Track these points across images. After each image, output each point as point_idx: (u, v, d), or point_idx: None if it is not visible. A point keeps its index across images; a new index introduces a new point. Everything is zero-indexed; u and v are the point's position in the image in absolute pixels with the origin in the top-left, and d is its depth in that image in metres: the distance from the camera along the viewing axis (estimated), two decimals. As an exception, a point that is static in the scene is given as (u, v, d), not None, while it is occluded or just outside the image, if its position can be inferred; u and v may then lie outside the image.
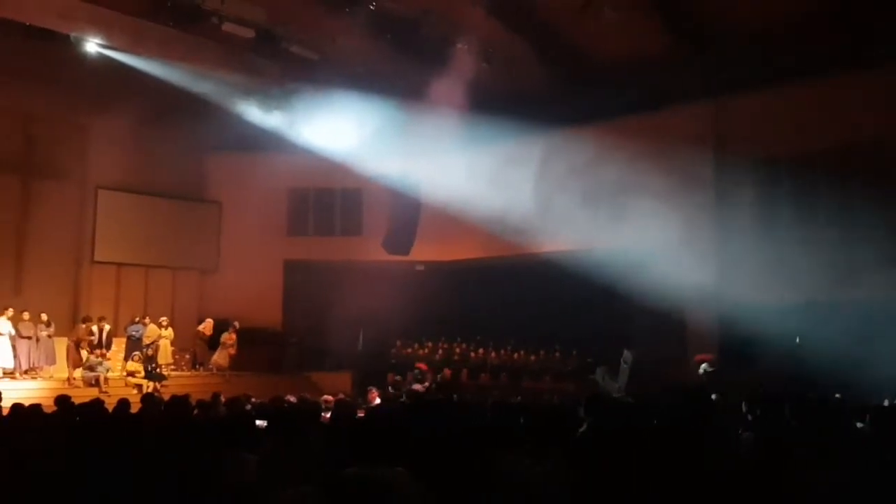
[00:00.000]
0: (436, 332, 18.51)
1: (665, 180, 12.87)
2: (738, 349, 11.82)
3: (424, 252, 17.72)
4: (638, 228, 13.29)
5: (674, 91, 13.82)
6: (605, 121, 14.54)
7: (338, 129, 15.76)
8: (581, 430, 5.19)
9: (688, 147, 13.44)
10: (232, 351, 17.07)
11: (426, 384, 14.08)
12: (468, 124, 14.74)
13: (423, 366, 15.07)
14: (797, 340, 11.37)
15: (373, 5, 13.12)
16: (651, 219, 13.01)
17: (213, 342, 17.43)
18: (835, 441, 4.94)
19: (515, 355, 17.38)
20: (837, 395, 8.07)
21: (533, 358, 17.07)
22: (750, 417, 6.61)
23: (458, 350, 18.20)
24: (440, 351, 18.24)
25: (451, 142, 15.59)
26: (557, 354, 16.66)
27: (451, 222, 16.47)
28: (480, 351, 17.87)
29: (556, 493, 3.92)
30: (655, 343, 13.63)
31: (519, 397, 13.26)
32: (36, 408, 6.78)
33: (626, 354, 13.77)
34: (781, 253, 12.14)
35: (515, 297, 16.41)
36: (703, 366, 11.68)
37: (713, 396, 9.24)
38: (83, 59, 14.06)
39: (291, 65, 14.54)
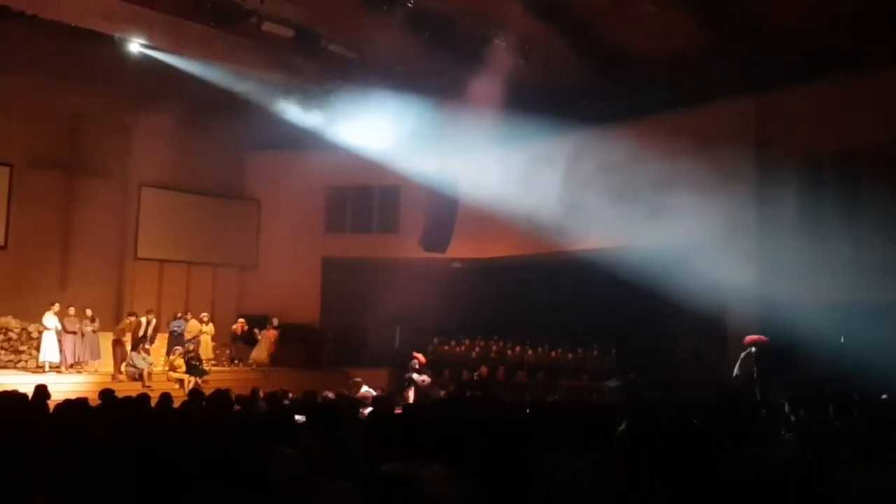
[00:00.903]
0: (472, 329, 18.50)
1: (705, 178, 12.68)
2: (780, 349, 11.63)
3: (461, 249, 17.70)
4: (677, 226, 13.12)
5: (714, 88, 13.61)
6: (643, 117, 14.39)
7: (375, 126, 15.83)
8: (620, 428, 5.16)
9: (728, 144, 13.25)
10: (272, 348, 17.29)
11: (425, 379, 13.78)
12: (505, 121, 14.69)
13: (420, 357, 14.83)
14: (841, 340, 11.15)
15: (410, 3, 13.13)
16: (690, 216, 12.84)
17: (246, 339, 17.68)
18: (880, 442, 4.84)
19: (553, 353, 17.28)
20: (884, 396, 7.91)
21: (570, 356, 16.96)
22: (793, 418, 6.51)
23: (494, 347, 18.17)
24: (477, 348, 18.23)
25: (488, 139, 15.56)
26: (595, 353, 16.53)
27: (488, 220, 16.42)
28: (517, 349, 17.82)
29: (596, 492, 3.90)
30: (696, 342, 13.47)
31: (556, 395, 13.21)
32: (82, 401, 6.92)
33: (611, 383, 13.57)
34: (825, 252, 11.91)
35: (553, 295, 16.30)
36: (752, 349, 11.64)
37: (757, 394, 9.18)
38: (126, 59, 14.34)
39: (330, 64, 14.63)
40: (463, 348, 18.40)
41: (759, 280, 12.63)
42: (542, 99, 14.38)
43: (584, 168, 14.55)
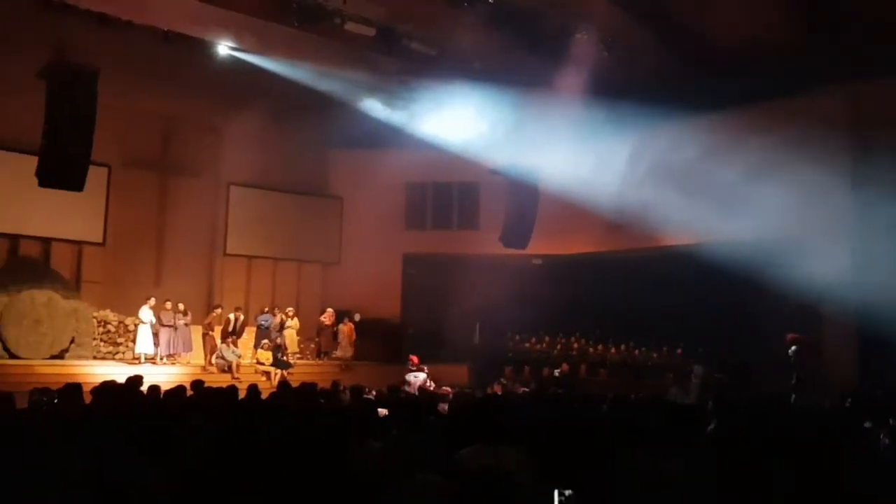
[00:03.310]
0: (553, 326, 18.34)
1: (797, 169, 12.22)
2: (880, 347, 11.13)
3: (542, 246, 17.57)
4: (768, 220, 12.70)
5: (808, 76, 13.07)
6: (731, 108, 13.97)
7: (456, 123, 15.89)
8: (710, 428, 5.03)
9: (823, 134, 12.70)
10: (350, 342, 17.55)
11: (418, 375, 14.03)
12: (587, 116, 14.51)
13: (415, 359, 14.96)
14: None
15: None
16: (782, 210, 12.40)
17: (333, 333, 17.97)
18: None
19: (636, 352, 16.99)
20: None
21: (655, 355, 16.64)
22: (892, 421, 6.22)
23: (576, 345, 17.99)
24: (558, 346, 18.09)
25: (570, 134, 15.39)
26: (680, 352, 16.15)
27: (569, 215, 16.25)
28: (599, 346, 17.59)
29: (686, 492, 3.81)
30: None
31: (639, 394, 12.98)
32: (180, 389, 7.24)
33: (697, 369, 13.37)
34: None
35: (636, 292, 15.96)
36: (793, 347, 11.48)
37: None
38: (215, 61, 14.81)
39: (411, 61, 14.74)
40: (543, 345, 18.29)
41: (856, 275, 12.09)
42: (625, 92, 14.12)
43: (668, 161, 14.24)
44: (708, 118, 14.08)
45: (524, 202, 16.62)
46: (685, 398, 13.34)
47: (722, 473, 4.03)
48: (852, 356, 12.55)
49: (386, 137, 17.24)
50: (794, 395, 11.08)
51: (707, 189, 13.51)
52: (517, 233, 16.66)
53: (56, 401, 6.89)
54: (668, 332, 16.03)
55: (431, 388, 12.79)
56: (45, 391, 7.32)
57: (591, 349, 17.66)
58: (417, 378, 13.84)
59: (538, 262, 18.86)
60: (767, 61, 13.28)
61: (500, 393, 11.16)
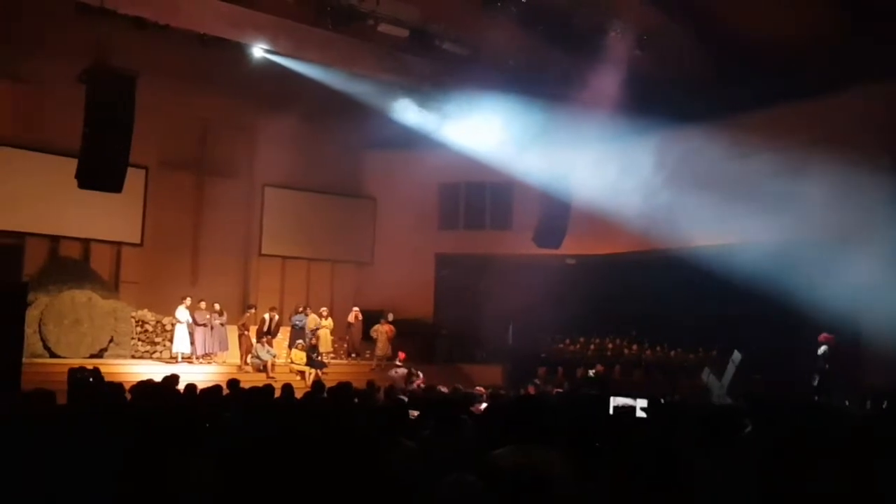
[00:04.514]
0: (587, 326, 18.21)
1: (835, 170, 11.97)
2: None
3: (575, 246, 17.45)
4: (804, 220, 12.48)
5: (847, 74, 12.80)
6: (765, 108, 13.74)
7: (488, 123, 15.86)
8: (746, 430, 4.96)
9: (862, 134, 12.44)
10: (389, 343, 17.62)
11: (398, 370, 14.60)
12: (621, 115, 14.38)
13: (402, 354, 15.48)
14: None
15: (524, -1, 13.08)
16: (820, 212, 12.17)
17: (364, 334, 18.06)
18: None
19: (672, 353, 16.79)
20: None
21: (691, 356, 16.43)
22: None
23: (610, 346, 17.84)
24: (592, 346, 17.95)
25: (602, 134, 15.27)
26: (715, 353, 15.93)
27: (603, 215, 16.11)
28: (634, 347, 17.42)
29: (722, 495, 3.75)
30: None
31: (675, 395, 12.87)
32: (217, 388, 7.33)
33: (736, 354, 13.31)
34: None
35: (672, 293, 15.75)
36: (823, 348, 11.41)
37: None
38: (251, 64, 14.99)
39: (444, 62, 14.76)
40: (577, 346, 18.17)
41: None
42: (660, 91, 13.98)
43: (704, 161, 14.05)
44: (741, 117, 13.87)
45: (557, 202, 16.53)
46: (717, 381, 13.38)
47: (758, 477, 3.97)
48: (891, 360, 12.25)
49: (419, 138, 17.27)
50: (816, 397, 10.91)
51: (742, 190, 13.32)
52: (550, 233, 16.57)
53: (91, 379, 7.17)
54: (704, 333, 15.81)
55: (419, 385, 13.21)
56: (82, 370, 7.77)
57: (625, 350, 17.50)
58: (398, 373, 14.48)
59: (572, 262, 18.74)
60: (804, 59, 13.04)
61: (533, 393, 11.10)
